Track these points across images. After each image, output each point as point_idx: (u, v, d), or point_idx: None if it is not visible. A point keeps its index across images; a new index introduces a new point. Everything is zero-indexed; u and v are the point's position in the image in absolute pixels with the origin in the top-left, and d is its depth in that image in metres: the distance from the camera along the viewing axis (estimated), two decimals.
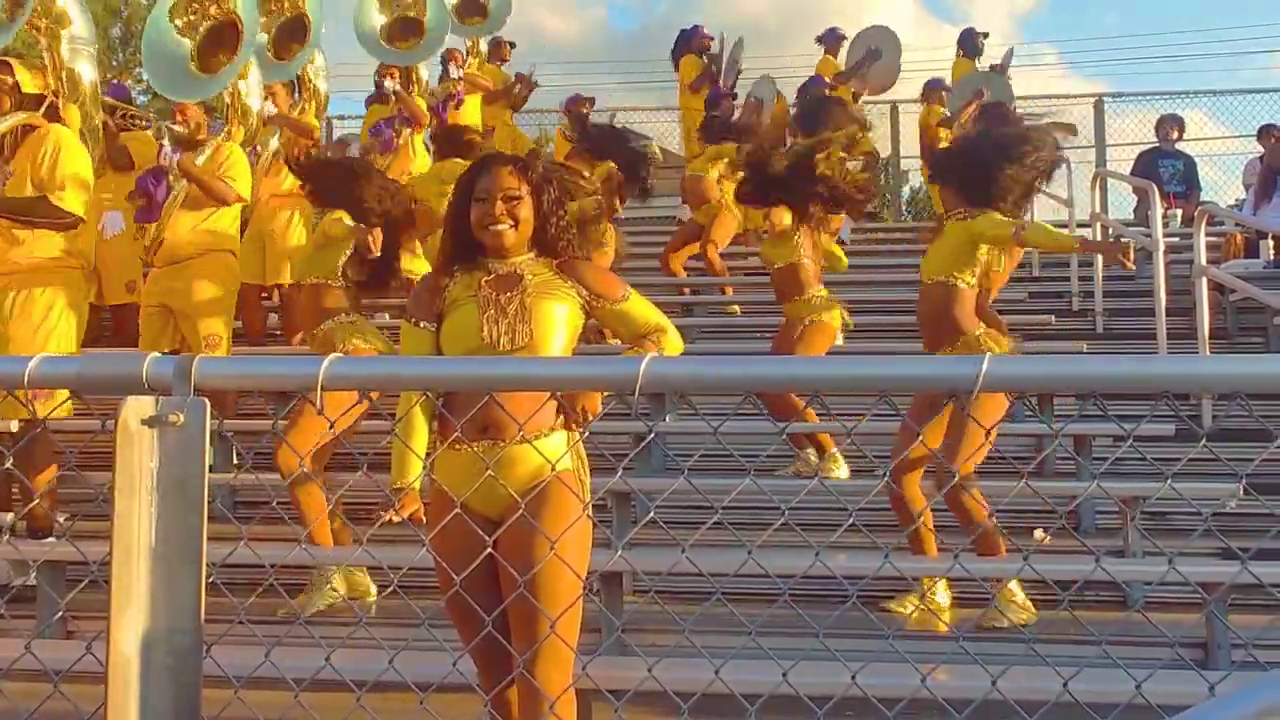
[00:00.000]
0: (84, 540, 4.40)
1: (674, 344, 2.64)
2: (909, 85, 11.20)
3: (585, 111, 9.40)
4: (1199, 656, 3.75)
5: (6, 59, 5.13)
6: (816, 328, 5.59)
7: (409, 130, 8.39)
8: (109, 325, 6.90)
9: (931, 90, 10.40)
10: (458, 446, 2.52)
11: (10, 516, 4.91)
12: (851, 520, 1.74)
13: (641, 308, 2.69)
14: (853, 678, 1.54)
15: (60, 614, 4.03)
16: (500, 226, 2.62)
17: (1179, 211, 9.62)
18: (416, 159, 8.22)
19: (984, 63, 10.71)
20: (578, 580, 2.38)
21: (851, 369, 1.42)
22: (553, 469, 2.40)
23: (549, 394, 2.22)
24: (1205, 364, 1.40)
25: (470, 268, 2.68)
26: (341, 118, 10.72)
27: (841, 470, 5.53)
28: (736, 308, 8.33)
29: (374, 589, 4.50)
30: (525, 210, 2.66)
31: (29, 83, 5.04)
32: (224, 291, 5.65)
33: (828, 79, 10.35)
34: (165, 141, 5.65)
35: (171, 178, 5.66)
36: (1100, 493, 4.92)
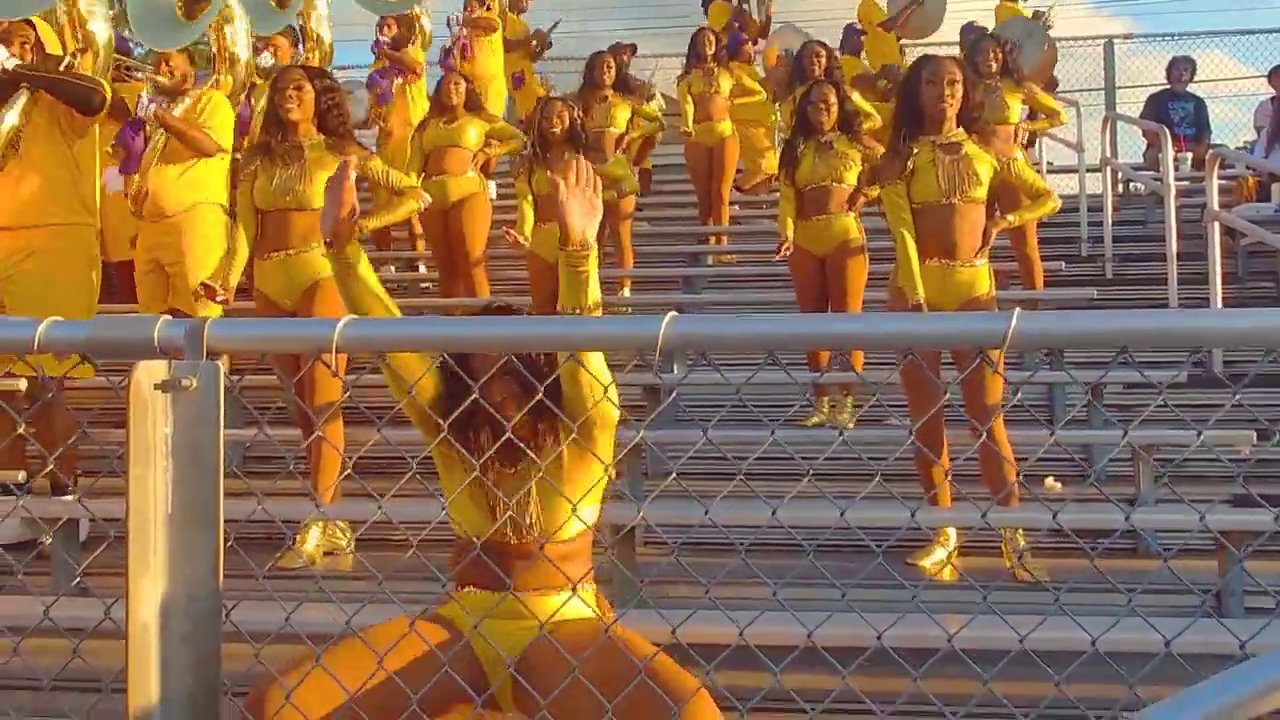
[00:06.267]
0: (99, 499, 4.41)
1: None
2: (950, 26, 10.75)
3: (626, 59, 9.32)
4: (1212, 604, 3.75)
5: (29, 18, 5.07)
6: None
7: (401, 80, 8.31)
8: (113, 281, 6.85)
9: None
10: (474, 591, 2.39)
11: (23, 475, 4.91)
12: (878, 477, 1.72)
13: None
14: (878, 637, 1.53)
15: (76, 577, 4.04)
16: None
17: (1189, 155, 9.53)
18: (416, 108, 8.14)
19: (1029, 5, 10.45)
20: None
21: (879, 326, 1.39)
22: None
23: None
24: (1245, 318, 1.36)
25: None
26: (343, 68, 10.52)
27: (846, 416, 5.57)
28: (732, 257, 8.34)
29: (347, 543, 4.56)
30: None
31: (52, 42, 5.00)
32: (213, 243, 5.48)
33: (863, 25, 10.20)
34: (144, 93, 5.57)
35: (149, 129, 5.57)
36: (1112, 439, 4.92)
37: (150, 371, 1.47)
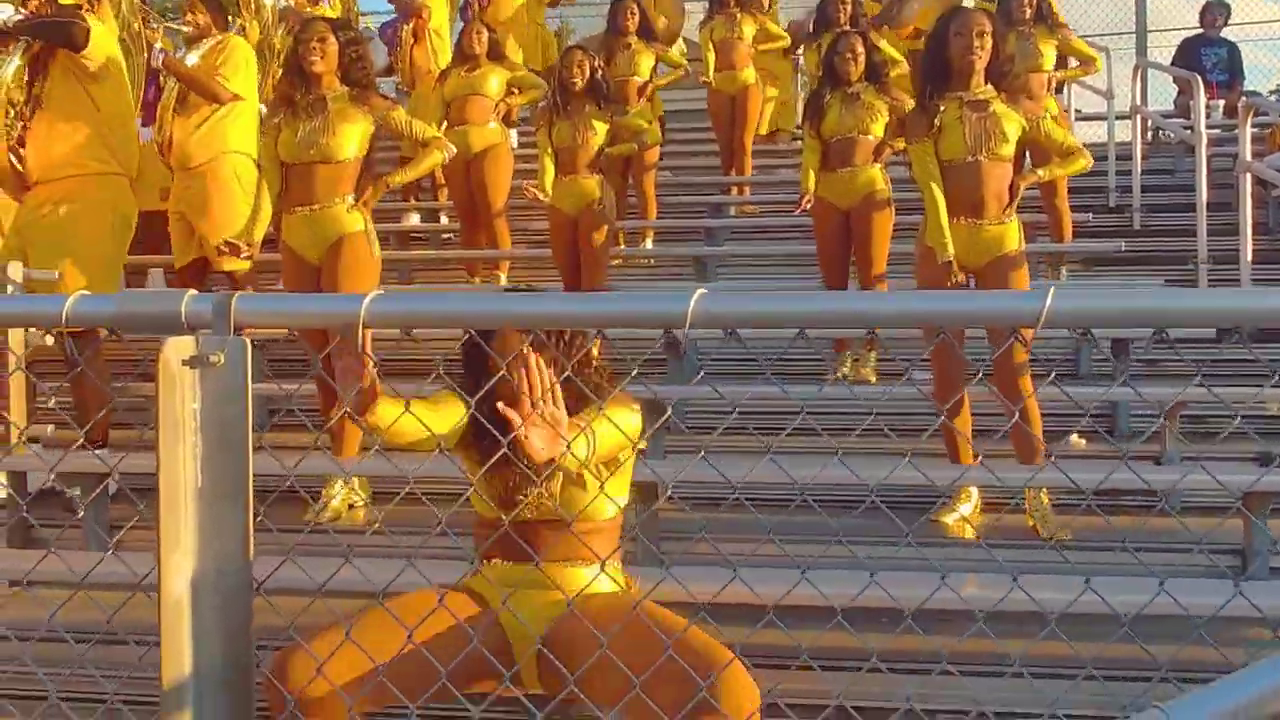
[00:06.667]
0: (131, 453, 4.44)
1: None
2: None
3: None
4: (1236, 564, 3.74)
5: None
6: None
7: (408, 26, 8.18)
8: (142, 232, 6.83)
9: None
10: (500, 563, 2.40)
11: (51, 429, 4.96)
12: (908, 453, 1.71)
13: None
14: (909, 616, 1.53)
15: (109, 547, 4.08)
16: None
17: (1221, 102, 9.36)
18: (439, 59, 8.03)
19: None
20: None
21: (911, 305, 1.38)
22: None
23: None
24: None
25: None
26: (366, 14, 10.33)
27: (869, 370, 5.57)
28: (755, 207, 8.26)
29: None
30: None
31: None
32: (237, 195, 5.41)
33: None
34: (156, 44, 5.53)
35: (162, 78, 5.53)
36: (1138, 396, 4.88)
37: (178, 347, 1.47)
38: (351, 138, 4.43)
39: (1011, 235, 4.25)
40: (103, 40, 4.82)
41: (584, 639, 2.06)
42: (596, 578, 2.37)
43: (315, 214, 4.44)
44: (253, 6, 6.74)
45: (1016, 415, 3.79)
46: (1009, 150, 4.21)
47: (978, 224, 4.21)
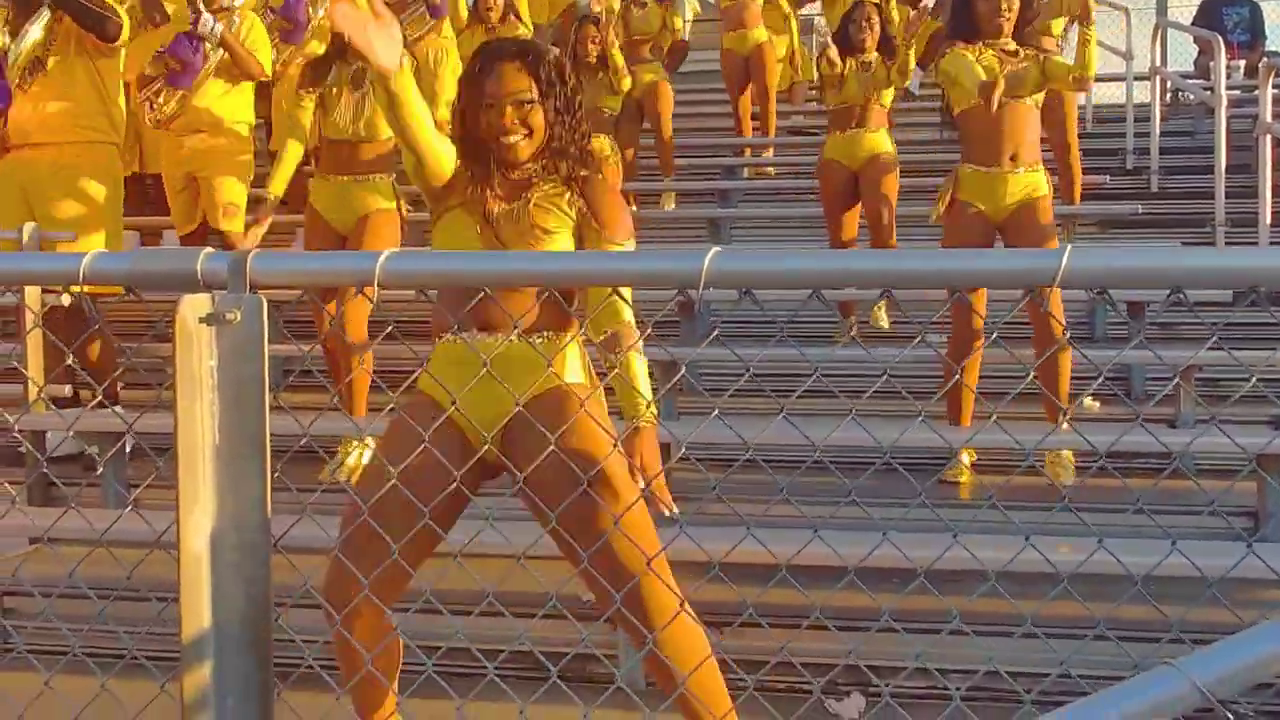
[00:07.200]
0: (147, 412, 4.47)
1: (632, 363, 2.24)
2: None
3: None
4: (1250, 525, 3.74)
5: None
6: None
7: None
8: (152, 194, 6.85)
9: None
10: (449, 338, 2.34)
11: (69, 389, 4.99)
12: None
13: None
14: (922, 575, 1.53)
15: (128, 504, 4.12)
16: (513, 138, 2.34)
17: (1241, 62, 9.23)
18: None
19: None
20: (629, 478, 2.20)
21: (927, 264, 1.37)
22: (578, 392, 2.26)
23: (548, 293, 2.17)
24: None
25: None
26: None
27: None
28: (771, 169, 8.19)
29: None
30: (538, 116, 2.36)
31: None
32: (242, 160, 5.60)
33: None
34: (202, 8, 5.50)
35: (208, 46, 5.52)
36: (1152, 358, 4.86)
37: (194, 305, 1.48)
38: None
39: (1042, 181, 4.26)
40: (124, 24, 4.85)
41: (537, 435, 1.96)
42: (567, 362, 2.33)
43: (351, 184, 4.51)
44: None
45: (1032, 375, 3.78)
46: (1039, 97, 4.25)
47: (1010, 170, 4.20)
